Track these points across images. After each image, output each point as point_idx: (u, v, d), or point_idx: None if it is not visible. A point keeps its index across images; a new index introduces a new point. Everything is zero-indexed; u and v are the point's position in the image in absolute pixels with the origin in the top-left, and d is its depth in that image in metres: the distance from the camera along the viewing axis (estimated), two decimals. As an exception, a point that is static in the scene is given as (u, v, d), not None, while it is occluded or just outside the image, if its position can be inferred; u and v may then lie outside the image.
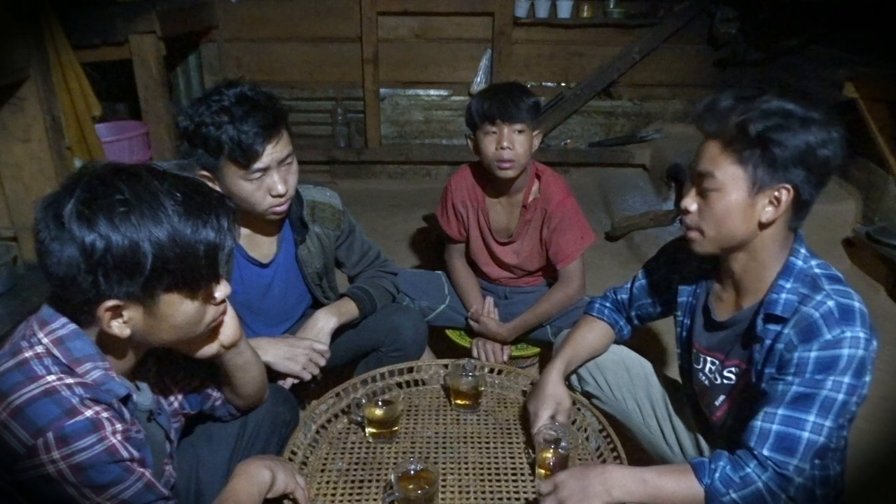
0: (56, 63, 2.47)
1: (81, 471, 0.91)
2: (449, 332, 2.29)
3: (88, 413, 0.93)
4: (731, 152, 1.18)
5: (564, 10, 4.08)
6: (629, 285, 1.61)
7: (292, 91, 4.19)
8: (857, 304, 1.15)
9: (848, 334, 1.12)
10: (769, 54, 4.05)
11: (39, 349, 0.97)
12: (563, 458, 1.33)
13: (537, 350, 2.22)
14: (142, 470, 0.99)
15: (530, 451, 1.44)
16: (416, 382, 1.69)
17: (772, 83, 4.09)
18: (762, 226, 1.21)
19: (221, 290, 1.08)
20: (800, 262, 1.22)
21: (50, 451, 0.89)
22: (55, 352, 0.97)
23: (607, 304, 1.63)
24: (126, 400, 1.04)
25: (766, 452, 1.14)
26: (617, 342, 1.65)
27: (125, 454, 0.96)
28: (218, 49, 4.14)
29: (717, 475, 1.16)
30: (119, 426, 0.96)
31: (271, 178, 1.51)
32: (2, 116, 2.19)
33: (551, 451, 1.33)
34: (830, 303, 1.15)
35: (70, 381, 0.95)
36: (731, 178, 1.19)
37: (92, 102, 2.72)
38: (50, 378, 0.94)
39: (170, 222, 0.95)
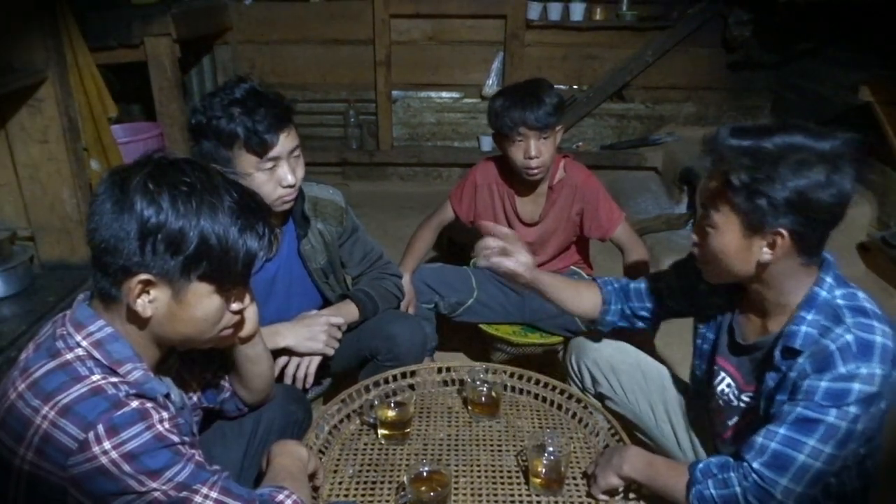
0: (73, 65, 2.50)
1: (134, 458, 0.93)
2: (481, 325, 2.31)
3: (135, 404, 0.96)
4: (723, 195, 1.16)
5: (577, 13, 4.08)
6: (650, 277, 1.60)
7: (305, 93, 4.20)
8: (878, 339, 1.12)
9: (863, 371, 1.10)
10: (783, 57, 4.03)
11: (80, 352, 0.99)
12: (556, 464, 1.33)
13: (560, 339, 2.22)
14: (192, 451, 1.02)
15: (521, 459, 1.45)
16: (428, 384, 1.69)
17: (786, 86, 4.08)
18: (762, 265, 1.19)
19: (243, 301, 1.12)
20: (823, 293, 1.19)
21: (101, 443, 0.92)
22: (95, 354, 0.99)
23: (614, 285, 1.63)
24: (166, 397, 1.07)
25: (755, 465, 1.16)
26: (592, 326, 1.65)
27: (174, 439, 0.98)
28: (232, 51, 4.17)
29: (701, 465, 1.23)
30: (165, 414, 0.99)
31: (282, 169, 1.55)
32: (20, 118, 2.22)
33: (543, 458, 1.33)
34: (849, 337, 1.13)
35: (114, 379, 0.98)
36: (724, 220, 1.18)
37: (108, 104, 2.74)
38: (95, 378, 0.96)
39: (223, 216, 1.00)
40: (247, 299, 1.14)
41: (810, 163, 1.09)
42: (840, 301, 1.18)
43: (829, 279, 1.20)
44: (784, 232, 1.13)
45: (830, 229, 1.16)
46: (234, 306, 1.10)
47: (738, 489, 1.17)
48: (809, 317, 1.18)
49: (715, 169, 1.17)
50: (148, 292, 1.00)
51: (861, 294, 1.20)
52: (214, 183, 1.02)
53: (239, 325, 1.16)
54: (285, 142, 1.53)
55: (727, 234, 1.18)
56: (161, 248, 0.96)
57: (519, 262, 1.53)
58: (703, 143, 1.21)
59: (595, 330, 1.69)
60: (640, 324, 1.62)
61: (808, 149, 1.10)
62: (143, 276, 0.98)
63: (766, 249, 1.16)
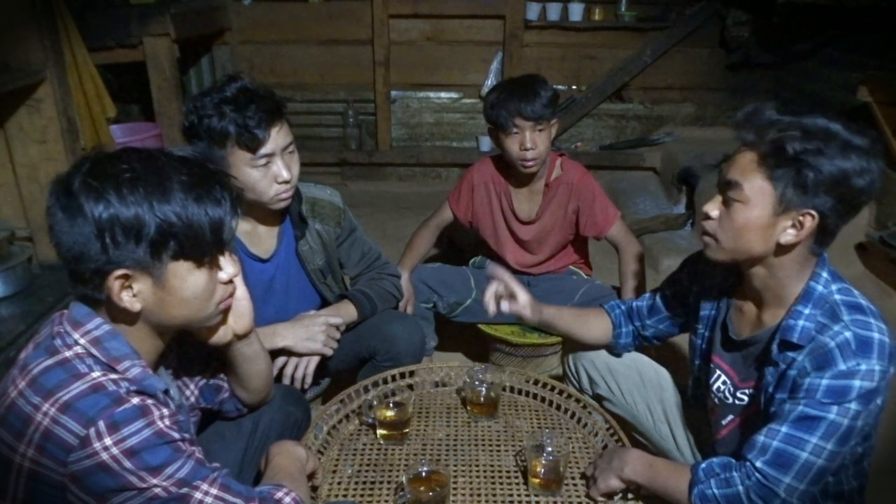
0: (72, 65, 2.50)
1: (134, 454, 0.94)
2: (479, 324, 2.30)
3: (135, 400, 0.96)
4: (763, 167, 1.16)
5: (576, 13, 4.09)
6: (650, 294, 1.61)
7: (304, 93, 4.20)
8: (876, 336, 1.14)
9: (863, 367, 1.11)
10: (782, 58, 4.04)
11: (79, 349, 0.99)
12: (554, 464, 1.33)
13: (559, 339, 2.20)
14: (192, 448, 1.02)
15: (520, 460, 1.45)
16: (426, 384, 1.69)
17: (784, 87, 4.08)
18: (780, 247, 1.19)
19: (228, 268, 1.10)
20: (820, 288, 1.20)
21: (102, 439, 0.92)
22: (94, 352, 0.99)
23: (621, 307, 1.64)
24: (165, 393, 1.07)
25: (758, 464, 1.16)
26: (610, 349, 1.64)
27: (175, 435, 0.99)
28: (230, 51, 4.17)
29: (703, 465, 1.23)
30: (165, 411, 1.00)
31: (276, 165, 1.54)
32: (18, 118, 2.22)
33: (541, 458, 1.33)
34: (848, 334, 1.14)
35: (114, 376, 0.98)
36: (758, 193, 1.17)
37: (107, 104, 2.74)
38: (95, 374, 0.97)
39: (175, 192, 0.98)
40: (233, 266, 1.12)
41: (853, 147, 1.11)
42: (837, 297, 1.19)
43: (824, 274, 1.21)
44: (815, 213, 1.14)
45: (851, 218, 1.17)
46: (223, 276, 1.10)
47: (740, 488, 1.17)
48: (806, 311, 1.19)
49: (759, 139, 1.16)
50: (129, 287, 1.00)
51: (856, 290, 1.21)
52: (158, 163, 1.00)
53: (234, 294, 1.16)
54: (277, 137, 1.53)
55: (757, 207, 1.17)
56: (121, 239, 0.96)
57: (520, 303, 1.55)
58: (742, 117, 1.20)
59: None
60: (646, 344, 1.63)
61: (845, 138, 1.12)
62: (118, 272, 0.97)
63: (790, 230, 1.17)
